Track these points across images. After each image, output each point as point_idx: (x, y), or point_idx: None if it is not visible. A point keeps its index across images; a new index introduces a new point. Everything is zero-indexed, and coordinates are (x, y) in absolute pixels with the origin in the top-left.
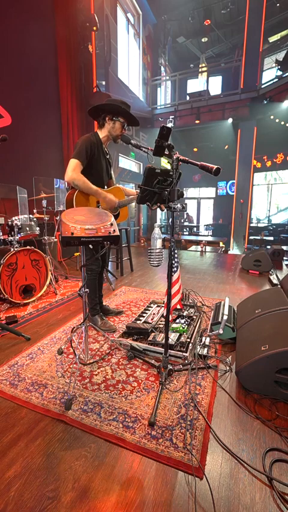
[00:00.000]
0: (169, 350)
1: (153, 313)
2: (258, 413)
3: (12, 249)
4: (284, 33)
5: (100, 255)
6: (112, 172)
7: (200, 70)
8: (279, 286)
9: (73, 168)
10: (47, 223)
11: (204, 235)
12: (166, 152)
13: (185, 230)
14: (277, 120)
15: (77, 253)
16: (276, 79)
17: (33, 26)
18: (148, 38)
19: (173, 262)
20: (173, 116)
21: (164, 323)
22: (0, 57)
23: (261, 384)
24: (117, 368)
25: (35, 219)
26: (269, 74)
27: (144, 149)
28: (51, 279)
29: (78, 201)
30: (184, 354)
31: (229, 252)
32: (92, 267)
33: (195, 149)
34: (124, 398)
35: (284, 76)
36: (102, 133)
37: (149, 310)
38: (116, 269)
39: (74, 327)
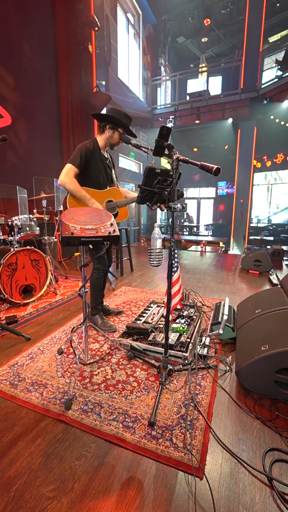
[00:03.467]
0: (169, 350)
1: (153, 314)
2: (258, 413)
3: (12, 249)
4: (284, 33)
5: (106, 254)
6: (114, 176)
7: (200, 70)
8: (279, 286)
9: (66, 172)
10: (47, 223)
11: (204, 235)
12: (166, 152)
13: (185, 230)
14: (277, 120)
15: (77, 253)
16: (276, 79)
17: (33, 26)
18: (148, 38)
19: (173, 262)
20: (173, 116)
21: (164, 322)
22: (0, 57)
23: (261, 384)
24: (117, 368)
25: (35, 219)
26: (269, 74)
27: (144, 149)
28: (51, 279)
29: (70, 204)
30: (184, 354)
31: (229, 252)
32: (98, 266)
33: (195, 149)
34: (124, 398)
35: (284, 76)
36: (101, 139)
37: (149, 310)
38: (116, 269)
39: (74, 327)
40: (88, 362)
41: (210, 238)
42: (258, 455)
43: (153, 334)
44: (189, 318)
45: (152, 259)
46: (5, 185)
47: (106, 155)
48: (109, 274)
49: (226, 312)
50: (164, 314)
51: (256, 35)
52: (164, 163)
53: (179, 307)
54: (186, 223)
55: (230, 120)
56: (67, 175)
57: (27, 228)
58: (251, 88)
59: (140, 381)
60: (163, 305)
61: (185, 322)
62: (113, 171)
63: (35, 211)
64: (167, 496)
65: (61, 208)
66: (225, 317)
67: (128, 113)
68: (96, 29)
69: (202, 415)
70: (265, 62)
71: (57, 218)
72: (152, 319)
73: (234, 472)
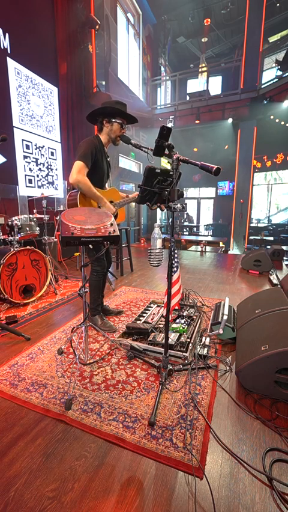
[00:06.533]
0: (169, 350)
1: (153, 314)
2: (258, 413)
3: (12, 249)
4: (284, 33)
5: (105, 256)
6: (110, 174)
7: (200, 70)
8: (279, 286)
9: (78, 170)
10: (47, 223)
11: (204, 235)
12: (166, 152)
13: (185, 230)
14: (277, 120)
15: (77, 253)
16: (276, 79)
17: (33, 26)
18: (148, 38)
19: (173, 262)
20: (173, 116)
21: (164, 322)
22: (0, 58)
23: (261, 384)
24: (117, 368)
25: (35, 219)
26: (269, 74)
27: (144, 149)
28: (51, 279)
29: (81, 204)
30: (184, 354)
31: (229, 252)
32: (96, 268)
33: (195, 149)
34: (124, 398)
35: (284, 76)
36: (102, 136)
37: (149, 310)
38: (116, 269)
39: (74, 327)
40: (88, 362)
41: (210, 238)
42: (258, 455)
43: (153, 334)
44: (189, 318)
45: (152, 259)
46: (5, 186)
47: (107, 154)
48: (109, 274)
49: (226, 312)
50: (164, 314)
51: (256, 35)
52: (164, 163)
53: (176, 307)
54: (186, 223)
55: (230, 120)
56: (80, 172)
57: (27, 228)
58: (251, 88)
59: (140, 381)
60: (163, 305)
61: (185, 322)
62: (110, 171)
63: (35, 211)
64: (167, 496)
65: (61, 208)
66: (225, 317)
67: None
68: (97, 27)
69: (202, 415)
70: (265, 62)
71: (57, 218)
72: (152, 319)
73: (234, 472)
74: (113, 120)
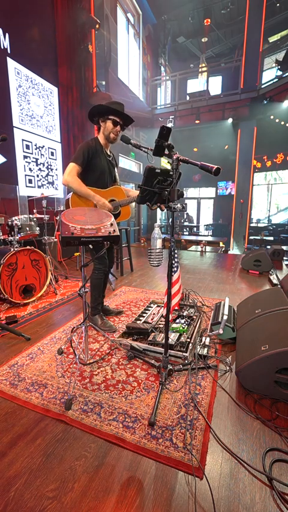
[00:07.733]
0: (169, 350)
1: (153, 314)
2: (258, 413)
3: (12, 249)
4: (284, 33)
5: (107, 255)
6: (116, 174)
7: (200, 70)
8: (279, 286)
9: (69, 171)
10: (47, 223)
11: (204, 235)
12: (166, 152)
13: (185, 230)
14: (277, 120)
15: (77, 253)
16: (276, 79)
17: (33, 26)
18: (148, 38)
19: (173, 262)
20: (173, 116)
21: (164, 322)
22: (0, 58)
23: (261, 384)
24: (117, 368)
25: (35, 219)
26: (269, 74)
27: (144, 149)
28: (51, 279)
29: (74, 203)
30: (184, 354)
31: (229, 252)
32: (98, 266)
33: (195, 149)
34: (124, 398)
35: (284, 76)
36: (100, 136)
37: (149, 310)
38: (116, 269)
39: (74, 327)
40: (88, 362)
41: (210, 238)
42: (258, 455)
43: (153, 334)
44: (189, 318)
45: (152, 259)
46: (5, 186)
47: (109, 153)
48: (109, 274)
49: (226, 312)
50: (164, 314)
51: (256, 35)
52: (164, 163)
53: (176, 307)
54: (186, 223)
55: (230, 120)
56: (70, 173)
57: (27, 228)
58: (251, 88)
59: (140, 381)
60: (163, 305)
61: (185, 322)
62: (115, 170)
63: (35, 211)
64: (167, 496)
65: (61, 208)
66: (225, 317)
67: (128, 114)
68: (97, 26)
69: (202, 415)
70: (265, 62)
71: (57, 218)
72: (152, 319)
73: (234, 472)
74: (106, 117)
